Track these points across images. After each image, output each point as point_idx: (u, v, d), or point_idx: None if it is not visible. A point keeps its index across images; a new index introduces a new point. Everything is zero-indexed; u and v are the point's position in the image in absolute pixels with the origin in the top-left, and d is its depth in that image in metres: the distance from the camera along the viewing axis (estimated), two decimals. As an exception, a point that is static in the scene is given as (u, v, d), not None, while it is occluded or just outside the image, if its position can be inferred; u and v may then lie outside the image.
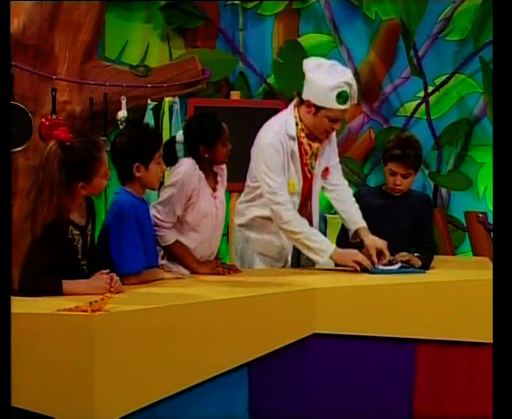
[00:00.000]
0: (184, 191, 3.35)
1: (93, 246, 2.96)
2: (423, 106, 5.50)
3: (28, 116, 4.52)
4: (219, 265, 3.47)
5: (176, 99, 4.94)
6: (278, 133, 3.53)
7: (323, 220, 5.17)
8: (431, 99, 5.51)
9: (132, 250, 3.06)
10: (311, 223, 3.67)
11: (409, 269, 3.51)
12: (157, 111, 4.93)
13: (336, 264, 3.53)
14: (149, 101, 4.89)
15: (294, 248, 3.66)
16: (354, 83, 3.50)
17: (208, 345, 2.72)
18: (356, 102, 3.61)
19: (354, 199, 3.72)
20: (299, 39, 5.42)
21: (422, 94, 5.50)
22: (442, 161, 5.57)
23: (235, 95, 5.23)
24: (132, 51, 5.22)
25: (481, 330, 3.01)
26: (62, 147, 2.80)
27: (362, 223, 3.59)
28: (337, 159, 3.79)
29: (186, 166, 3.40)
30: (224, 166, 3.56)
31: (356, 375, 3.06)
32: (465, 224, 5.36)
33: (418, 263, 3.51)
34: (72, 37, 4.74)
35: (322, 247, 3.45)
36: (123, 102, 4.76)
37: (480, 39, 5.38)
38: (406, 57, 5.37)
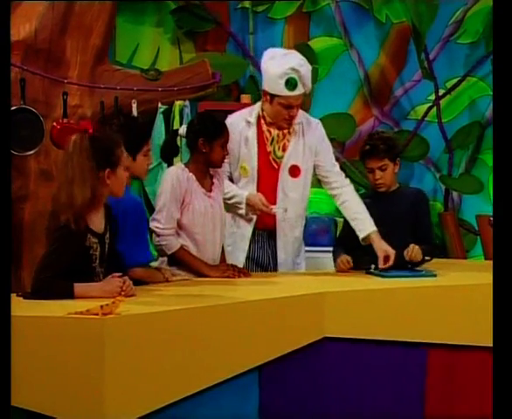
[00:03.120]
0: (176, 192, 3.39)
1: (110, 253, 2.95)
2: (434, 109, 5.48)
3: (39, 120, 4.53)
4: (230, 269, 3.47)
5: (187, 102, 4.95)
6: (235, 118, 3.71)
7: (334, 224, 5.16)
8: (442, 102, 5.49)
9: (140, 242, 3.10)
10: (273, 224, 3.68)
11: (420, 272, 3.50)
12: (168, 114, 4.94)
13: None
14: (160, 105, 4.90)
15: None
16: (303, 69, 3.57)
17: (218, 348, 2.72)
18: (309, 88, 3.64)
19: (359, 199, 3.70)
20: (309, 43, 5.42)
21: (433, 97, 5.48)
22: (453, 165, 5.55)
23: (245, 99, 5.23)
24: (143, 55, 5.24)
25: (493, 334, 2.99)
26: (88, 137, 2.81)
27: (370, 229, 3.57)
28: (333, 161, 3.77)
29: (173, 169, 3.47)
30: (220, 171, 3.58)
31: (367, 379, 3.05)
32: (476, 228, 5.33)
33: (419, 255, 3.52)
34: (84, 42, 4.76)
35: (238, 200, 3.62)
36: (134, 106, 4.78)
37: (491, 42, 5.36)
38: (417, 60, 5.35)
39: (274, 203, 3.66)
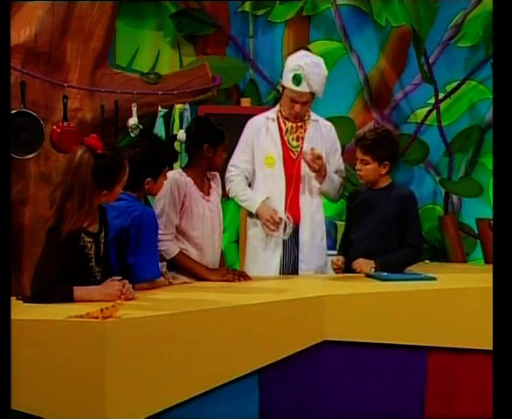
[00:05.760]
0: (175, 198, 3.41)
1: (106, 253, 2.96)
2: (434, 112, 5.49)
3: (40, 123, 4.53)
4: (230, 272, 3.48)
5: (187, 106, 4.95)
6: (257, 117, 3.97)
7: (333, 226, 5.16)
8: (442, 105, 5.49)
9: (150, 256, 3.10)
10: (298, 217, 3.81)
11: (419, 276, 3.50)
12: (168, 118, 4.94)
13: None
14: (160, 108, 4.90)
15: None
16: (307, 68, 3.79)
17: (218, 352, 2.72)
18: (316, 90, 3.84)
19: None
20: (309, 46, 5.42)
21: (433, 101, 5.49)
22: (453, 168, 5.55)
23: (245, 102, 5.23)
24: (143, 59, 5.25)
25: (493, 337, 2.99)
26: (93, 155, 2.81)
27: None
28: (340, 160, 4.03)
29: (171, 174, 3.48)
30: (217, 174, 3.61)
31: (367, 382, 3.05)
32: (476, 231, 5.33)
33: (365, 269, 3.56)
34: (84, 45, 4.77)
35: (250, 205, 3.84)
36: (134, 109, 4.78)
37: (491, 45, 5.36)
38: (417, 63, 5.36)
39: (298, 191, 3.84)
